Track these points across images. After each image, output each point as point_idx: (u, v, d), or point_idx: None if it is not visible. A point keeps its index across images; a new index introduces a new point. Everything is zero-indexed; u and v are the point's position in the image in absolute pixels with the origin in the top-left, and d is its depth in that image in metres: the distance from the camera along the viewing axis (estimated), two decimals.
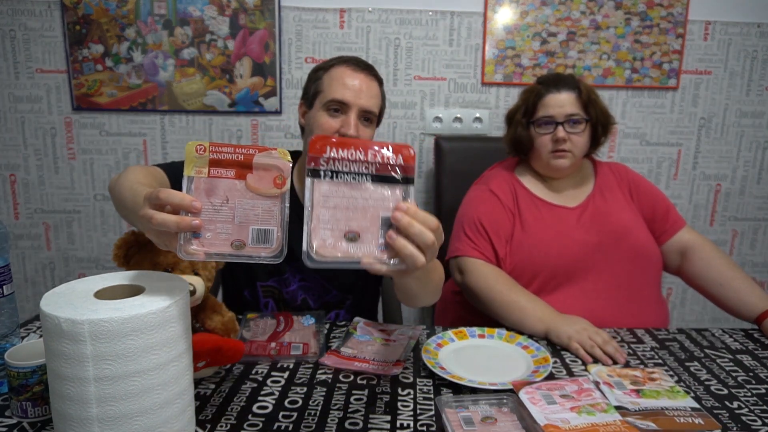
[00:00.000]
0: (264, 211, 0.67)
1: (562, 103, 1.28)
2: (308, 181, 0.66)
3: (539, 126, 1.30)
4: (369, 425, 0.79)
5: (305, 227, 0.64)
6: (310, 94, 1.20)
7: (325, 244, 0.64)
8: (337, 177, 0.66)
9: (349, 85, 1.14)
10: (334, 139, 0.67)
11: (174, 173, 1.10)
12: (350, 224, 0.66)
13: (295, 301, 1.24)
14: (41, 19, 1.84)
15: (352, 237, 0.65)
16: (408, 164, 0.69)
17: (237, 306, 1.21)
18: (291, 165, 0.69)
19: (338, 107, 1.14)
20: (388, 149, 0.68)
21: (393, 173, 0.68)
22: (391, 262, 0.67)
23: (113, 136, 1.94)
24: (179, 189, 0.66)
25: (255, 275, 1.23)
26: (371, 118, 1.18)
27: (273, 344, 1.01)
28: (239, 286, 1.25)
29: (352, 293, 1.28)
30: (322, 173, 0.66)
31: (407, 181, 0.69)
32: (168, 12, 1.84)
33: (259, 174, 0.67)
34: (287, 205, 0.68)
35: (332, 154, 0.66)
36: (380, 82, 1.21)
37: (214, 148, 0.67)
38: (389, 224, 0.67)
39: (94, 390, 0.60)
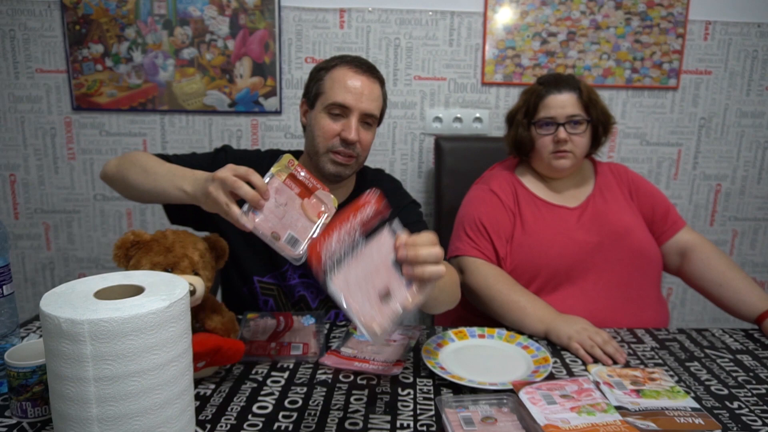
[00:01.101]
0: (302, 227, 0.87)
1: (563, 103, 1.28)
2: (331, 287, 0.71)
3: (540, 127, 1.30)
4: (369, 425, 0.79)
5: (357, 323, 0.69)
6: (312, 94, 1.19)
7: (379, 323, 0.70)
8: (342, 263, 0.74)
9: (351, 89, 1.13)
10: (320, 242, 0.74)
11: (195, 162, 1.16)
12: (377, 287, 0.73)
13: (293, 296, 1.23)
14: (41, 19, 1.84)
15: (385, 295, 0.73)
16: (379, 207, 0.80)
17: (236, 305, 1.21)
18: (336, 209, 0.89)
19: (339, 110, 1.14)
20: (359, 212, 0.79)
21: (375, 222, 0.79)
22: (422, 289, 0.75)
23: (113, 136, 1.94)
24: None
25: (252, 270, 1.22)
26: (372, 120, 1.18)
27: (273, 344, 1.01)
28: (237, 284, 1.25)
29: None
30: (331, 271, 0.73)
31: (388, 219, 0.80)
32: (168, 12, 1.84)
33: (313, 202, 0.88)
34: (318, 230, 0.87)
35: (326, 250, 0.74)
36: (382, 82, 1.21)
37: (298, 168, 0.89)
38: (400, 263, 0.75)
39: (94, 390, 0.60)
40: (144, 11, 1.84)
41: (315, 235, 0.86)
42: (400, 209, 1.25)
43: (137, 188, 1.04)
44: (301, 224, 0.86)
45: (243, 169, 0.85)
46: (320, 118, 1.16)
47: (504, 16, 1.89)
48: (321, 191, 0.89)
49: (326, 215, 0.88)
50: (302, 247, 0.85)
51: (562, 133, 1.27)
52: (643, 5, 1.90)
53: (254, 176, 0.84)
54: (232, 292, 1.29)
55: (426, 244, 0.74)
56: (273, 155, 1.28)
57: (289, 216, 0.86)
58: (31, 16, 1.84)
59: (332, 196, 0.90)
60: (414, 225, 1.23)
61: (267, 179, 0.86)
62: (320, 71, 1.18)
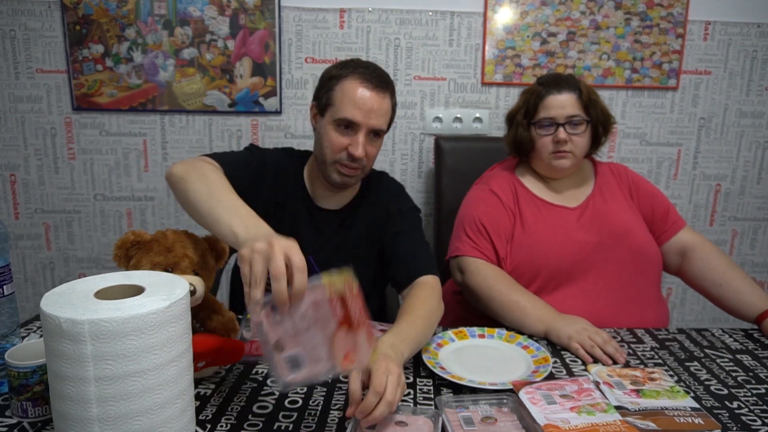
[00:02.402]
0: (316, 357, 0.71)
1: (562, 104, 1.28)
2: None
3: (540, 127, 1.30)
4: None
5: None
6: (322, 102, 1.18)
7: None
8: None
9: (360, 105, 1.12)
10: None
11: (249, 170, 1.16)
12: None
13: None
14: (41, 19, 1.84)
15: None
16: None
17: (243, 304, 1.20)
18: (369, 360, 0.75)
19: (347, 125, 1.13)
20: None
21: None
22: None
23: (113, 136, 1.94)
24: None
25: None
26: (380, 132, 1.18)
27: None
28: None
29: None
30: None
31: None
32: (168, 12, 1.84)
33: (346, 339, 0.71)
34: (330, 375, 0.73)
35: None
36: (392, 91, 1.19)
37: (352, 296, 0.72)
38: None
39: (94, 390, 0.60)
40: (144, 11, 1.84)
41: (319, 380, 0.71)
42: (399, 214, 1.25)
43: (194, 205, 0.94)
44: (317, 354, 0.70)
45: (298, 259, 0.72)
46: (329, 130, 1.15)
47: (504, 16, 1.89)
48: (362, 334, 0.72)
49: (354, 362, 0.72)
50: (297, 377, 0.70)
51: (561, 133, 1.27)
52: (642, 5, 1.90)
53: (300, 275, 0.71)
54: (241, 293, 1.28)
55: (375, 405, 0.74)
56: (300, 156, 1.29)
57: (309, 336, 0.70)
58: (31, 16, 1.84)
59: (373, 348, 0.74)
60: (406, 235, 1.22)
61: (313, 282, 0.72)
62: (331, 79, 1.16)
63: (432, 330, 1.05)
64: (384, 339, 0.90)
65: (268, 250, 0.71)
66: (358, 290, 0.73)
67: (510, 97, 1.96)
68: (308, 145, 1.49)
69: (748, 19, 1.93)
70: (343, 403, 0.85)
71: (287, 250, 0.72)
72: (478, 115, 1.96)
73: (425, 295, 1.08)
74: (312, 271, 1.22)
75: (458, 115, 1.95)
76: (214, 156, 1.13)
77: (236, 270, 1.27)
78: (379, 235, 1.24)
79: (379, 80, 1.14)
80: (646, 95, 1.98)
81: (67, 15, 1.83)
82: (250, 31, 1.87)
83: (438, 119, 1.96)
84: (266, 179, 1.20)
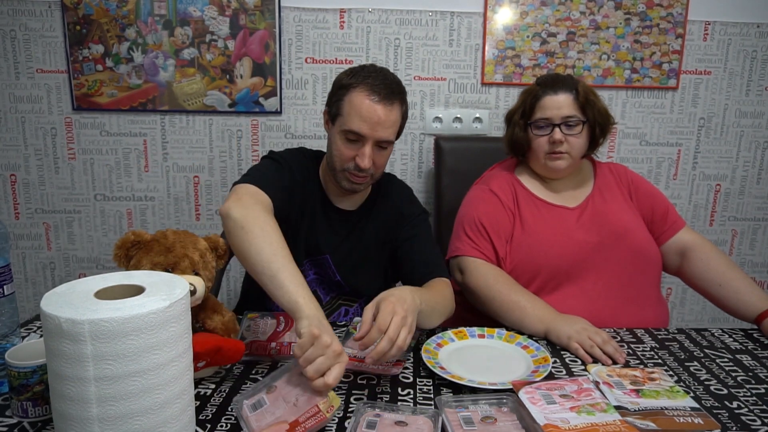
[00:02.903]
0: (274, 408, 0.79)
1: (558, 105, 1.28)
2: None
3: (536, 128, 1.30)
4: None
5: None
6: (332, 111, 1.19)
7: None
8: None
9: (366, 118, 1.12)
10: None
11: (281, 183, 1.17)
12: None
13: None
14: (41, 20, 1.84)
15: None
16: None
17: (259, 293, 1.16)
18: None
19: (355, 137, 1.14)
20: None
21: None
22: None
23: (113, 136, 1.94)
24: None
25: None
26: (387, 144, 1.18)
27: (273, 344, 1.01)
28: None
29: (366, 295, 1.29)
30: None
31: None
32: (168, 12, 1.84)
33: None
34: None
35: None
36: (402, 101, 1.18)
37: (322, 415, 0.77)
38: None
39: (94, 390, 0.60)
40: (144, 11, 1.84)
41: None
42: (411, 217, 1.28)
43: (255, 262, 0.94)
44: (296, 414, 0.77)
45: (336, 374, 0.80)
46: (337, 140, 1.17)
47: (504, 17, 1.89)
48: None
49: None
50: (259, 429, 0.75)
51: (557, 134, 1.27)
52: (642, 5, 1.90)
53: (337, 370, 0.80)
54: (253, 294, 1.31)
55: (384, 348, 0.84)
56: (314, 156, 1.30)
57: (284, 402, 0.79)
58: (31, 16, 1.84)
59: None
60: (419, 239, 1.26)
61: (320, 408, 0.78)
62: (341, 89, 1.17)
63: (443, 313, 1.11)
64: (402, 288, 0.98)
65: (325, 347, 0.80)
66: (327, 416, 0.78)
67: (510, 98, 1.96)
68: (308, 145, 1.50)
69: (748, 19, 1.94)
70: (343, 403, 0.85)
71: (336, 359, 0.81)
72: (478, 115, 1.96)
73: (441, 287, 1.15)
74: (328, 269, 1.24)
75: (458, 115, 1.95)
76: (258, 181, 1.11)
77: (249, 277, 1.31)
78: (391, 237, 1.27)
79: (388, 91, 1.14)
80: (646, 95, 1.98)
81: (67, 15, 1.83)
82: (251, 32, 1.87)
83: (438, 119, 1.96)
84: (296, 192, 1.22)
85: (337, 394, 0.87)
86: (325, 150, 1.29)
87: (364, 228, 1.27)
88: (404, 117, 1.21)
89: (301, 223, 1.23)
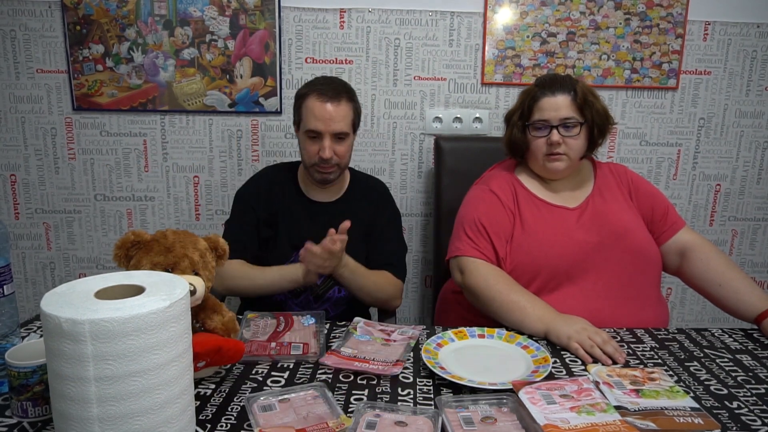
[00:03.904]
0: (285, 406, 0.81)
1: (556, 106, 1.28)
2: None
3: (534, 129, 1.30)
4: None
5: None
6: (296, 118, 1.46)
7: None
8: None
9: (320, 117, 1.36)
10: None
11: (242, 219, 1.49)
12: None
13: None
14: (42, 20, 1.84)
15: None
16: None
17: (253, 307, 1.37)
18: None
19: (314, 134, 1.38)
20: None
21: None
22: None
23: (113, 136, 1.94)
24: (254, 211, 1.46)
25: (282, 256, 1.46)
26: (344, 135, 1.40)
27: (273, 344, 1.01)
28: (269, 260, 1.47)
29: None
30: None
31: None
32: (168, 12, 1.84)
33: None
34: None
35: None
36: (350, 98, 1.40)
37: None
38: None
39: (94, 390, 0.60)
40: (144, 12, 1.84)
41: None
42: (386, 210, 1.53)
43: (256, 292, 1.40)
44: (304, 425, 0.77)
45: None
46: (303, 140, 1.42)
47: (504, 17, 1.89)
48: None
49: None
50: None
51: (555, 135, 1.27)
52: (642, 5, 1.90)
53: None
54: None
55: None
56: (290, 166, 1.56)
57: (310, 420, 0.78)
58: (31, 16, 1.84)
59: None
60: (389, 234, 1.53)
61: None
62: (299, 98, 1.42)
63: (372, 294, 1.41)
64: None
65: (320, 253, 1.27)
66: None
67: (510, 98, 1.96)
68: None
69: (748, 19, 1.94)
70: (342, 403, 0.85)
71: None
72: (478, 115, 1.96)
73: (385, 277, 1.44)
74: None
75: (458, 115, 1.95)
76: (235, 238, 1.25)
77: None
78: (369, 222, 1.50)
79: (334, 92, 1.37)
80: (646, 95, 1.98)
81: (67, 15, 1.83)
82: (251, 32, 1.87)
83: (438, 119, 1.96)
84: (259, 207, 1.47)
85: (337, 394, 0.87)
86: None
87: (342, 216, 1.34)
88: (356, 112, 1.43)
89: (282, 221, 1.46)
